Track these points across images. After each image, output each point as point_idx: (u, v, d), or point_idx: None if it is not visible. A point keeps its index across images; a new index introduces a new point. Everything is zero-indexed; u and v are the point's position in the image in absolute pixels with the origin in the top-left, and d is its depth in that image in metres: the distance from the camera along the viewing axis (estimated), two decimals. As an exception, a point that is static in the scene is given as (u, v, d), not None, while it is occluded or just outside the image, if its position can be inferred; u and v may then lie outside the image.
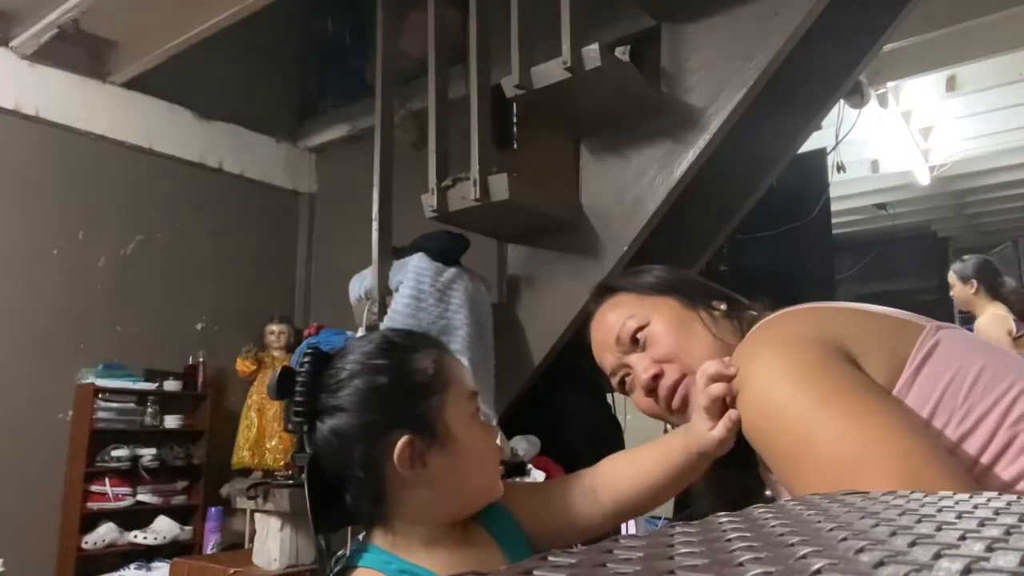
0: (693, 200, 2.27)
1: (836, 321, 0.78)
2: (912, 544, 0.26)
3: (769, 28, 1.96)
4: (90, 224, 3.52)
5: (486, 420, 0.87)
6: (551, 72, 1.96)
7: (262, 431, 3.61)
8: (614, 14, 2.48)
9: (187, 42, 3.23)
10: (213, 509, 3.23)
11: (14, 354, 3.21)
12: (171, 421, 3.56)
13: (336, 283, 2.69)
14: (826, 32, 2.17)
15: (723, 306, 0.92)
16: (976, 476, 0.65)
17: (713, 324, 0.89)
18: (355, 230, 2.95)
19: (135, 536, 3.31)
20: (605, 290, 0.99)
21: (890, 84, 3.86)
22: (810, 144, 3.00)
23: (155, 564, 3.24)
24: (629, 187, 2.13)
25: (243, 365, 3.75)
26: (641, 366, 0.89)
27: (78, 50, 3.47)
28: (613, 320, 0.93)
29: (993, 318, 3.20)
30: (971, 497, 0.37)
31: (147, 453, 3.42)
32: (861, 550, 0.25)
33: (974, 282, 3.32)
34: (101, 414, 3.31)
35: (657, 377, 0.88)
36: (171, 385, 3.60)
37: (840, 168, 3.72)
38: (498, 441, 0.99)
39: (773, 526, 0.31)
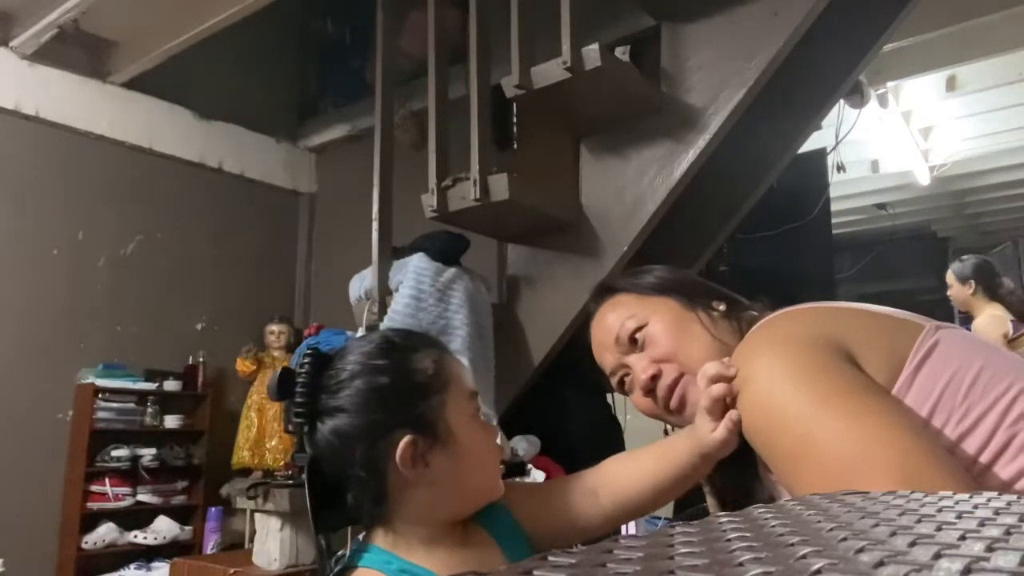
0: (693, 200, 2.27)
1: (836, 321, 0.78)
2: (912, 544, 0.26)
3: (769, 28, 1.97)
4: (90, 224, 3.52)
5: (486, 420, 0.87)
6: (551, 72, 1.96)
7: (262, 431, 3.61)
8: (614, 14, 2.48)
9: (187, 42, 3.23)
10: (213, 509, 3.23)
11: (14, 354, 3.22)
12: (171, 421, 3.56)
13: (336, 283, 2.69)
14: (826, 32, 2.17)
15: (722, 306, 0.92)
16: (975, 475, 0.65)
17: (712, 324, 0.89)
18: (355, 230, 2.95)
19: (135, 536, 3.31)
20: (605, 290, 0.99)
21: (890, 84, 3.86)
22: (810, 144, 3.00)
23: (155, 564, 3.24)
24: (629, 187, 2.13)
25: (243, 365, 3.75)
26: (640, 366, 0.89)
27: (78, 50, 3.47)
28: (612, 320, 0.93)
29: (991, 319, 3.20)
30: (971, 497, 0.37)
31: (147, 453, 3.42)
32: (861, 550, 0.25)
33: (972, 283, 3.31)
34: (101, 414, 3.31)
35: (655, 377, 0.88)
36: (171, 385, 3.60)
37: (840, 168, 3.72)
38: (498, 441, 0.99)
39: (773, 526, 0.31)
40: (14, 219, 3.29)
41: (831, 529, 0.30)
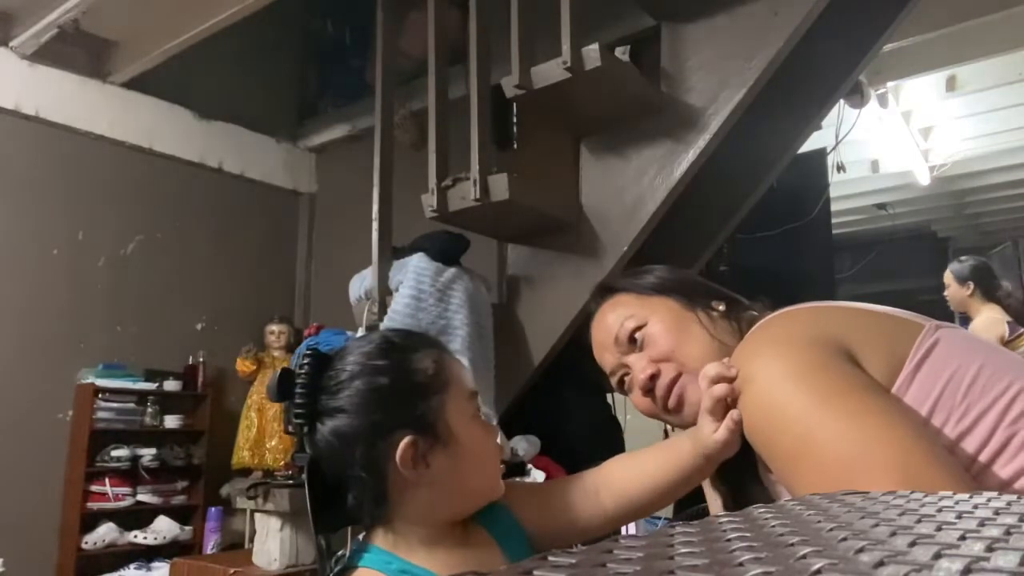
0: (693, 200, 2.27)
1: (836, 320, 0.78)
2: (912, 544, 0.26)
3: (769, 28, 1.96)
4: (90, 224, 3.52)
5: (486, 420, 0.87)
6: (551, 72, 1.96)
7: (262, 431, 3.61)
8: (614, 14, 2.48)
9: (187, 42, 3.23)
10: (213, 509, 3.23)
11: (14, 354, 3.22)
12: (171, 421, 3.56)
13: (336, 283, 2.69)
14: (826, 32, 2.17)
15: (722, 307, 0.92)
16: (974, 474, 0.66)
17: (711, 324, 0.89)
18: (355, 230, 2.95)
19: (135, 536, 3.31)
20: (605, 290, 0.99)
21: (890, 84, 3.86)
22: (810, 144, 3.00)
23: (155, 564, 3.24)
24: (629, 187, 2.13)
25: (243, 365, 3.75)
26: (639, 366, 0.89)
27: (78, 50, 3.47)
28: (612, 320, 0.93)
29: (989, 321, 3.19)
30: (971, 497, 0.37)
31: (147, 453, 3.42)
32: (861, 550, 0.25)
33: (970, 284, 3.31)
34: (101, 414, 3.31)
35: (654, 377, 0.88)
36: (171, 385, 3.60)
37: (840, 168, 3.72)
38: (498, 441, 0.99)
39: (773, 526, 0.31)
40: (14, 219, 3.29)
41: (831, 529, 0.30)
